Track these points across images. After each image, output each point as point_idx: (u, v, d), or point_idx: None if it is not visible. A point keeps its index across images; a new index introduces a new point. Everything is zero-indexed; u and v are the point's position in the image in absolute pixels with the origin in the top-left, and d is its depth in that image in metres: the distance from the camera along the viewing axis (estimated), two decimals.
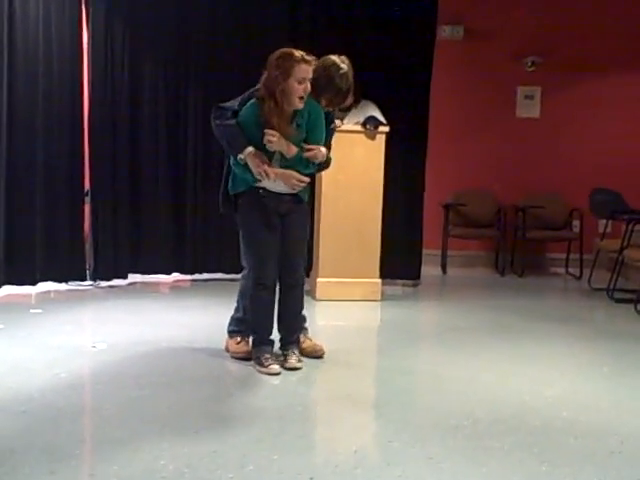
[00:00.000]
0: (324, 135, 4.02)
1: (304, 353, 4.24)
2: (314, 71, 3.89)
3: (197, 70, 6.49)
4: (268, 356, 4.03)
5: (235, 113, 3.92)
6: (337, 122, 5.85)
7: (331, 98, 4.04)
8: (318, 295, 5.96)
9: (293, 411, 3.45)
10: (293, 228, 4.04)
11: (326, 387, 4.00)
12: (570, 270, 7.72)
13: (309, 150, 3.92)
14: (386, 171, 5.99)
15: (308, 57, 3.82)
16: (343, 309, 5.73)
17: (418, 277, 6.81)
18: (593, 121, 7.94)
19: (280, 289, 4.13)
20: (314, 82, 3.92)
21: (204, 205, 6.51)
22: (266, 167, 3.84)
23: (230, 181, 4.03)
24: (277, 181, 3.91)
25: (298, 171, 3.93)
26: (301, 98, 3.82)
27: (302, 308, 4.24)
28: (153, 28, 6.43)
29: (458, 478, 2.76)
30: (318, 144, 3.96)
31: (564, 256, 7.81)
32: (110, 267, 6.39)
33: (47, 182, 6.05)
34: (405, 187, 6.64)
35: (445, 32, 7.60)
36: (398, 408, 3.54)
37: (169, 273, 6.67)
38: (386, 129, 5.97)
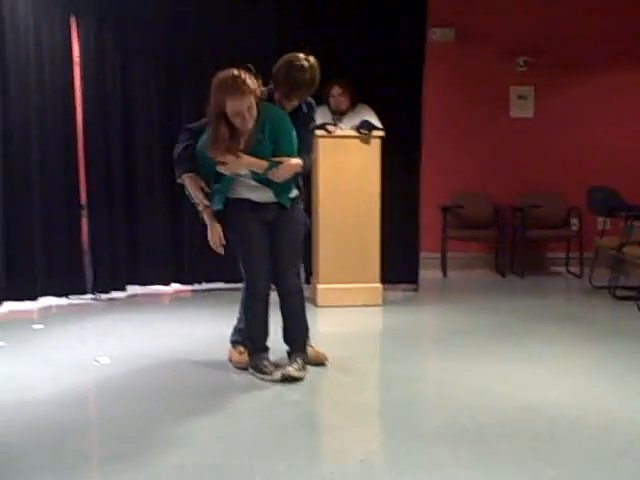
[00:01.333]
0: (293, 141, 3.93)
1: (307, 361, 4.24)
2: (277, 66, 3.91)
3: (189, 80, 6.48)
4: (267, 363, 4.04)
5: (196, 132, 3.95)
6: (331, 128, 5.93)
7: (286, 91, 3.91)
8: (319, 301, 5.96)
9: (298, 420, 3.44)
10: (280, 236, 4.00)
11: (331, 395, 3.99)
12: (570, 269, 7.72)
13: (275, 171, 3.84)
14: (382, 175, 6.00)
15: (245, 86, 3.68)
16: (345, 315, 5.73)
17: (416, 281, 6.80)
18: (587, 119, 7.94)
19: (278, 298, 4.13)
20: (274, 75, 3.91)
21: None
22: (201, 198, 3.91)
23: (212, 199, 3.98)
24: (257, 192, 3.92)
25: (275, 185, 3.90)
26: (243, 123, 3.75)
27: (303, 316, 4.18)
28: (143, 39, 6.43)
29: None
30: (287, 153, 3.87)
31: (564, 255, 7.81)
32: (109, 279, 6.39)
33: (44, 197, 6.05)
34: (402, 191, 6.62)
35: (436, 35, 7.60)
36: (403, 415, 3.53)
37: (168, 284, 6.67)
38: (381, 133, 5.97)
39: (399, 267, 6.62)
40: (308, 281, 5.85)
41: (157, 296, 6.58)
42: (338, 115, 6.17)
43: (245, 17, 6.53)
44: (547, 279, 7.62)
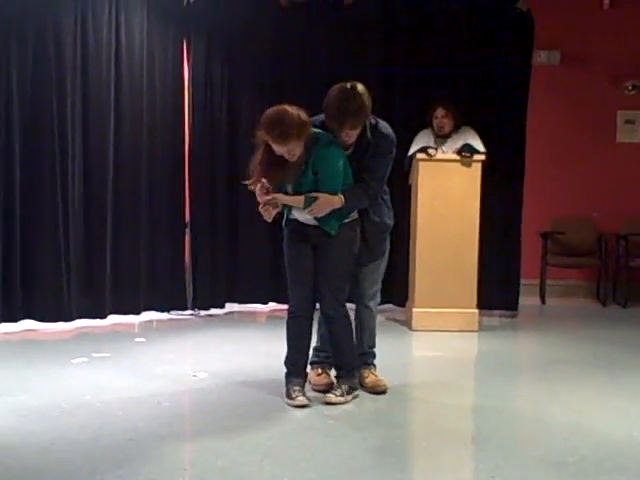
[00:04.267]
0: (335, 176, 3.85)
1: (366, 388, 4.17)
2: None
3: (293, 103, 6.58)
4: (297, 388, 3.97)
5: None
6: (432, 151, 5.91)
7: (336, 125, 3.84)
8: (414, 325, 5.93)
9: (392, 444, 3.43)
10: (320, 261, 3.96)
11: (425, 420, 3.96)
12: None
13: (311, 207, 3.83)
14: (483, 199, 5.93)
15: (287, 139, 3.65)
16: (440, 340, 5.68)
17: (516, 307, 6.70)
18: None
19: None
20: (325, 108, 3.86)
21: None
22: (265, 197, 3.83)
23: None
24: (302, 214, 3.90)
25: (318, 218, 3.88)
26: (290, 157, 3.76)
27: (346, 343, 4.08)
28: (250, 65, 6.62)
29: None
30: (327, 188, 3.82)
31: None
32: (209, 297, 6.55)
33: (150, 214, 6.28)
34: (502, 215, 6.57)
35: (541, 57, 7.50)
36: (499, 442, 3.46)
37: (265, 303, 6.77)
38: (482, 157, 5.92)
39: (497, 293, 6.53)
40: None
41: (253, 314, 6.69)
42: (441, 137, 6.15)
43: (350, 42, 6.64)
44: None
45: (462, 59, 6.61)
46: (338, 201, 3.86)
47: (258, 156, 3.81)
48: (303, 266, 3.98)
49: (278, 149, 3.73)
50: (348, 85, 3.89)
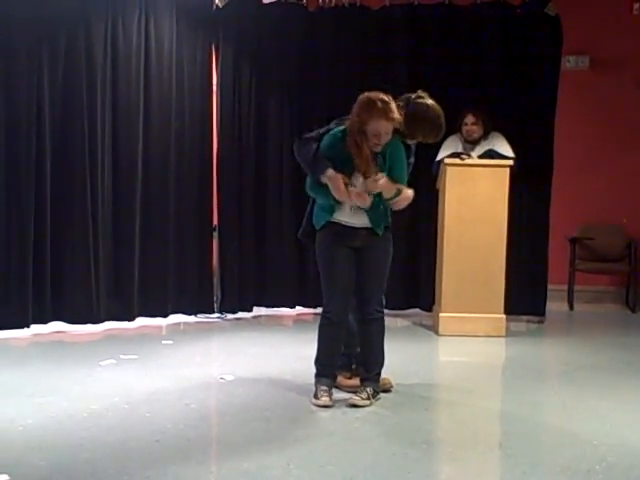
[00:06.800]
0: (404, 171, 3.97)
1: (378, 390, 4.13)
2: (404, 113, 3.89)
3: (321, 109, 6.62)
4: (324, 388, 3.98)
5: (317, 140, 3.95)
6: (465, 157, 5.91)
7: (433, 134, 4.01)
8: (441, 330, 5.91)
9: (418, 449, 3.42)
10: (367, 262, 3.97)
11: (451, 425, 3.95)
12: None
13: (396, 200, 3.89)
14: (511, 204, 5.91)
15: (391, 114, 3.76)
16: (466, 345, 5.65)
17: (543, 313, 6.65)
18: None
19: (358, 323, 4.11)
20: (407, 123, 3.90)
21: None
22: (344, 189, 3.83)
23: (314, 216, 4.06)
24: (353, 215, 3.91)
25: (372, 212, 3.91)
26: (376, 144, 3.82)
27: (379, 346, 4.09)
28: (278, 69, 6.65)
29: None
30: (396, 181, 3.90)
31: None
32: (236, 300, 6.58)
33: (178, 218, 6.33)
34: (530, 221, 6.54)
35: (570, 62, 7.48)
36: (525, 449, 3.44)
37: (293, 307, 6.79)
38: (510, 162, 5.89)
39: (525, 298, 6.51)
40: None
41: (280, 318, 6.71)
42: (470, 144, 6.13)
43: (378, 46, 6.66)
44: None
45: (491, 63, 6.61)
46: (412, 196, 3.95)
47: (365, 149, 3.81)
48: (346, 271, 3.95)
49: (379, 127, 3.75)
50: (426, 95, 4.00)
